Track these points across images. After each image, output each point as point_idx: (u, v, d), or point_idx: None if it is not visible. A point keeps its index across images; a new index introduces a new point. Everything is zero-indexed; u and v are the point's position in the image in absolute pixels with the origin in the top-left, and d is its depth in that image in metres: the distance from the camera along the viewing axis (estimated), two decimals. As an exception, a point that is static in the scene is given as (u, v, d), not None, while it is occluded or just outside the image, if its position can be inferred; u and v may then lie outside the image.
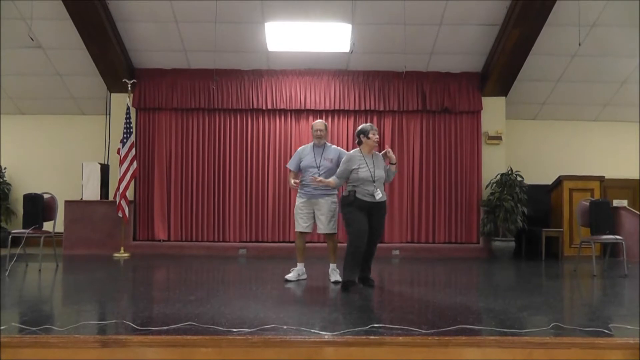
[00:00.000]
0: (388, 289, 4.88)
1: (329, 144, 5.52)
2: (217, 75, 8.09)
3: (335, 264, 5.34)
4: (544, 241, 7.87)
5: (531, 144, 9.20)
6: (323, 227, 5.29)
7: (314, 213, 5.32)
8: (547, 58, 8.08)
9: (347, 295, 4.60)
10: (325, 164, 5.30)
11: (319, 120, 5.66)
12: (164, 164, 8.38)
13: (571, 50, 7.85)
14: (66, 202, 7.95)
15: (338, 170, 5.02)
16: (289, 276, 5.36)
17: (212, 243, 8.25)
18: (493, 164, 8.34)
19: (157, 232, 8.28)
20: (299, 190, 5.40)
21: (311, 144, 5.51)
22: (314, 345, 2.93)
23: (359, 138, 5.01)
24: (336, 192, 5.40)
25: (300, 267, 5.43)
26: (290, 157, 8.10)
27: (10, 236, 6.16)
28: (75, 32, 7.51)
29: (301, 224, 5.35)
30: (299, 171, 5.47)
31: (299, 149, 5.64)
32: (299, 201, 5.38)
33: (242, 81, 8.36)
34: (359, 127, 5.10)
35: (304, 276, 5.43)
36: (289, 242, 8.20)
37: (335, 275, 5.28)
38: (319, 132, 5.41)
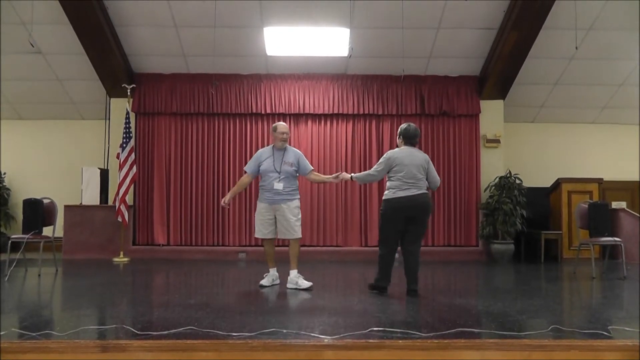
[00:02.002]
0: (387, 293, 4.88)
1: (289, 147, 5.31)
2: (216, 80, 8.11)
3: (296, 270, 5.19)
4: (543, 244, 7.88)
5: (530, 147, 9.23)
6: (286, 232, 5.13)
7: (275, 218, 5.15)
8: (545, 61, 8.11)
9: (346, 299, 4.61)
10: (286, 168, 5.13)
11: (284, 124, 5.41)
12: (164, 169, 8.39)
13: (569, 53, 7.87)
14: (66, 206, 7.96)
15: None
16: (263, 282, 5.26)
17: (212, 247, 8.26)
18: (492, 167, 8.36)
19: (157, 236, 8.28)
20: (260, 195, 5.24)
21: (270, 147, 5.32)
22: (314, 349, 2.93)
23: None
24: (298, 195, 5.28)
25: (272, 272, 5.31)
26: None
27: (10, 241, 6.16)
28: (75, 37, 7.53)
29: (262, 231, 5.18)
30: (258, 175, 5.30)
31: (258, 152, 5.40)
32: (260, 206, 5.19)
33: (241, 85, 8.38)
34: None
35: (277, 281, 5.33)
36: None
37: (301, 281, 5.14)
38: (285, 135, 5.22)
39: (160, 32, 7.69)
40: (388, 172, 4.84)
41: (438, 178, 4.93)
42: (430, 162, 4.91)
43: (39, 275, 5.97)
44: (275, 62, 8.19)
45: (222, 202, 5.38)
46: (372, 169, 5.00)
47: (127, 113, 7.91)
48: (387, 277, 4.88)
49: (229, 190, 8.33)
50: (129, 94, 8.05)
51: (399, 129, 5.01)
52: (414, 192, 4.70)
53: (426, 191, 4.79)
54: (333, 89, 8.38)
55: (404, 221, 4.76)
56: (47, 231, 6.30)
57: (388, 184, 4.84)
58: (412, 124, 5.01)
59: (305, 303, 4.56)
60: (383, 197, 4.89)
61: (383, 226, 4.91)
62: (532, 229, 8.08)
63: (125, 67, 8.15)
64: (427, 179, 4.83)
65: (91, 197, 8.15)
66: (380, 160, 4.92)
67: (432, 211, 8.25)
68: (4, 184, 8.98)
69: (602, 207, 6.29)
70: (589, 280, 5.93)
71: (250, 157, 8.25)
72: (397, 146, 5.04)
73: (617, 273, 6.25)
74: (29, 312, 4.04)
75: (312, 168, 5.37)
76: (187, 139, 8.46)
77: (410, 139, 4.90)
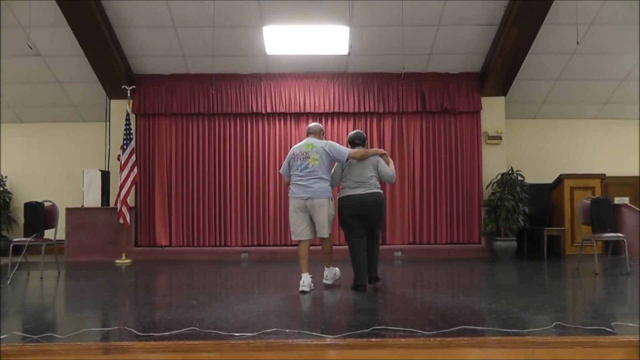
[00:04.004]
0: (390, 291, 4.87)
1: None
2: (216, 80, 8.11)
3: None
4: (545, 240, 7.86)
5: (531, 143, 9.20)
6: None
7: None
8: (546, 57, 8.08)
9: (348, 297, 4.60)
10: None
11: None
12: (165, 170, 8.39)
13: (570, 49, 7.84)
14: (67, 209, 7.96)
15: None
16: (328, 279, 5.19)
17: (214, 248, 8.25)
18: (493, 164, 8.34)
19: (159, 237, 8.27)
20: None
21: None
22: (316, 349, 2.92)
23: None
24: None
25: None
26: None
27: (12, 245, 6.16)
28: (74, 39, 7.53)
29: None
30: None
31: None
32: None
33: (241, 85, 8.37)
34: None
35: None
36: (291, 245, 8.19)
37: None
38: None
39: (159, 33, 7.68)
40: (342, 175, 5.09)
41: (389, 172, 5.03)
42: (381, 160, 5.08)
43: (41, 278, 5.97)
44: (274, 61, 8.18)
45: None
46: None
47: (127, 114, 7.92)
48: (361, 275, 4.89)
49: (230, 191, 8.38)
50: (129, 95, 8.05)
51: None
52: (362, 190, 4.92)
53: (377, 190, 4.97)
54: (333, 88, 8.37)
55: (357, 218, 4.93)
56: (49, 234, 6.30)
57: (341, 185, 5.10)
58: (357, 131, 5.42)
59: (307, 302, 4.55)
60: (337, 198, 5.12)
61: (341, 226, 5.19)
62: (535, 225, 8.06)
63: (125, 69, 8.14)
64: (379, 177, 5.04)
65: (92, 199, 8.15)
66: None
67: (432, 208, 8.34)
68: (5, 187, 8.99)
69: (604, 202, 6.27)
70: (592, 276, 5.90)
71: (250, 157, 8.39)
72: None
73: (620, 269, 6.23)
74: (31, 315, 4.03)
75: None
76: (187, 139, 8.45)
77: (351, 143, 5.25)
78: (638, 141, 8.99)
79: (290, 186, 5.03)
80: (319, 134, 5.17)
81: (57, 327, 3.52)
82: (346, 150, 4.97)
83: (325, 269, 5.20)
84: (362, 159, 4.99)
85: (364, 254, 4.92)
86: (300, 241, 4.97)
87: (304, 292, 4.75)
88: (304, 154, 4.94)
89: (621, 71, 8.41)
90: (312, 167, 4.87)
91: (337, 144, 5.08)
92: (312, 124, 5.33)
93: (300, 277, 4.85)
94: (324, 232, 4.91)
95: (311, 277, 4.90)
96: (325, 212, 4.87)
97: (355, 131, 5.41)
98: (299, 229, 4.93)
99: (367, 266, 4.93)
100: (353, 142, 5.24)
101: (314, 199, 4.84)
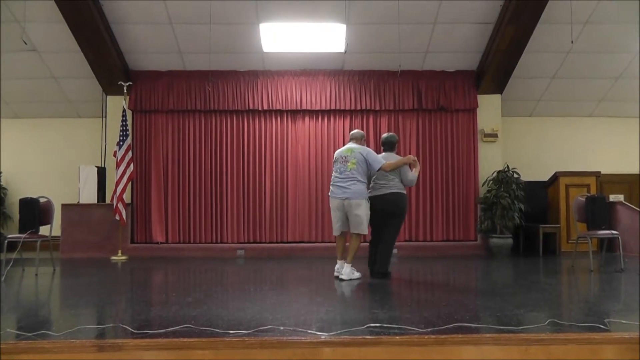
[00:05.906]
0: (385, 289, 4.88)
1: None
2: (212, 77, 8.09)
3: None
4: (541, 237, 7.87)
5: (527, 141, 9.22)
6: None
7: None
8: (542, 55, 8.09)
9: (343, 295, 4.61)
10: None
11: None
12: (161, 166, 8.37)
13: (565, 47, 7.85)
14: (63, 205, 7.94)
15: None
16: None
17: (210, 244, 8.24)
18: (489, 162, 8.35)
19: (155, 234, 8.26)
20: None
21: None
22: (311, 346, 2.92)
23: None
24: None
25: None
26: (288, 158, 8.43)
27: (7, 241, 6.14)
28: (70, 34, 7.50)
29: None
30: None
31: None
32: None
33: (238, 82, 8.35)
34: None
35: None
36: (287, 242, 8.24)
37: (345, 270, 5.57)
38: None
39: (156, 29, 7.65)
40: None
41: (410, 177, 5.54)
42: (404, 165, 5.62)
43: (36, 274, 5.95)
44: (271, 58, 8.16)
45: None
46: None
47: (124, 111, 7.89)
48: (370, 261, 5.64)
49: (226, 187, 8.37)
50: (125, 91, 8.02)
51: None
52: (384, 191, 5.48)
53: (395, 190, 5.47)
54: (330, 85, 8.36)
55: (377, 215, 5.53)
56: (44, 230, 6.28)
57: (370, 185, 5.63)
58: (389, 133, 5.92)
59: (302, 299, 4.55)
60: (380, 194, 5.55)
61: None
62: (530, 222, 8.08)
63: (121, 65, 8.11)
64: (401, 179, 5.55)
65: (89, 195, 8.13)
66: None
67: (428, 206, 8.38)
68: (1, 183, 8.95)
69: (599, 200, 6.28)
70: (587, 273, 5.92)
71: (247, 154, 8.39)
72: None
73: (614, 266, 6.25)
74: (26, 312, 4.03)
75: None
76: (184, 136, 8.43)
77: (383, 145, 5.79)
78: (637, 138, 9.00)
79: (330, 186, 5.58)
80: (360, 139, 5.67)
81: (52, 324, 3.51)
82: (380, 163, 5.41)
83: (345, 263, 5.50)
84: (393, 169, 5.45)
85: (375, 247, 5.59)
86: (335, 236, 5.61)
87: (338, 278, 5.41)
88: (344, 157, 5.48)
89: (616, 69, 8.42)
90: (349, 170, 5.39)
91: (374, 154, 5.52)
92: (354, 131, 5.82)
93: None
94: (361, 228, 5.40)
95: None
96: (361, 211, 5.35)
97: (389, 134, 5.85)
98: (336, 225, 5.53)
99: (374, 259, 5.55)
100: (384, 147, 5.76)
101: (350, 199, 5.35)
